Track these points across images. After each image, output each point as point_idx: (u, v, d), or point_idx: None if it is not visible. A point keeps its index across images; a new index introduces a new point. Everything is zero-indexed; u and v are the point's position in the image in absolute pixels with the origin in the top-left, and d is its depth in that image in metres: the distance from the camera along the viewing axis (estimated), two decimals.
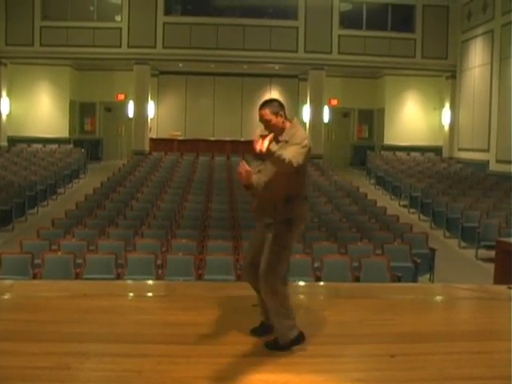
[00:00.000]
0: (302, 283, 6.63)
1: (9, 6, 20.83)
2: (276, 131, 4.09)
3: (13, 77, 21.69)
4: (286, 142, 4.06)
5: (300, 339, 4.11)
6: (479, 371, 3.77)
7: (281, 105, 4.20)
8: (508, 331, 4.31)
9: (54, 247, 8.58)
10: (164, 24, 21.14)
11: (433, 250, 9.71)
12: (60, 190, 16.83)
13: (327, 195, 14.17)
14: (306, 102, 22.56)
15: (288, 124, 4.18)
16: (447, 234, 13.10)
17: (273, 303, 4.02)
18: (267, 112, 4.13)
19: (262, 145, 3.76)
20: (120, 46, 21.04)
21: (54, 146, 21.30)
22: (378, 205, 13.65)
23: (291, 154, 3.88)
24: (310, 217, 11.46)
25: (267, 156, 3.84)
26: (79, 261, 7.83)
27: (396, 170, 18.70)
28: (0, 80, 20.98)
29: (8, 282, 6.17)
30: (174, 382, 3.55)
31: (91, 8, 21.64)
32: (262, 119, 4.15)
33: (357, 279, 7.68)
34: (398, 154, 21.98)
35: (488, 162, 18.89)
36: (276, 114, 4.13)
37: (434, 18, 21.65)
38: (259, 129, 4.24)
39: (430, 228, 13.61)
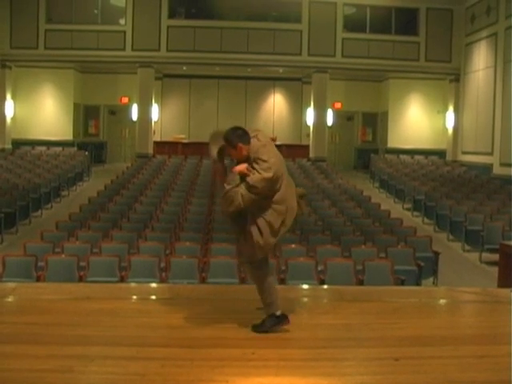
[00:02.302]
0: (305, 286, 6.63)
1: (13, 9, 20.92)
2: (243, 159, 4.31)
3: (17, 80, 21.78)
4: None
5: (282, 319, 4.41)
6: (483, 375, 3.75)
7: (239, 135, 4.32)
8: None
9: (57, 250, 8.60)
10: (168, 27, 21.19)
11: (436, 254, 9.70)
12: (64, 193, 16.87)
13: (331, 198, 14.16)
14: (309, 105, 22.57)
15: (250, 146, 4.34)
16: (451, 237, 13.08)
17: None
18: (228, 148, 4.35)
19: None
20: (124, 49, 21.11)
21: (58, 149, 21.36)
22: (382, 208, 13.63)
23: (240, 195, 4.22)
24: (314, 220, 11.54)
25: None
26: (83, 263, 7.84)
27: (400, 173, 18.68)
28: (4, 83, 21.05)
29: (11, 285, 6.17)
30: None
31: (95, 11, 21.73)
32: (228, 155, 4.44)
33: (360, 282, 7.68)
34: (402, 157, 21.98)
35: (492, 165, 18.87)
36: (235, 146, 4.29)
37: (438, 22, 21.66)
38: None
39: (433, 231, 13.58)
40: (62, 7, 21.40)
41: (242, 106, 23.98)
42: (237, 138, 4.29)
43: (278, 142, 22.20)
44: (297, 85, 24.25)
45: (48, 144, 21.73)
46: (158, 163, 19.50)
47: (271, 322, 4.40)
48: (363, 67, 21.61)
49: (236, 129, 4.38)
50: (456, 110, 21.82)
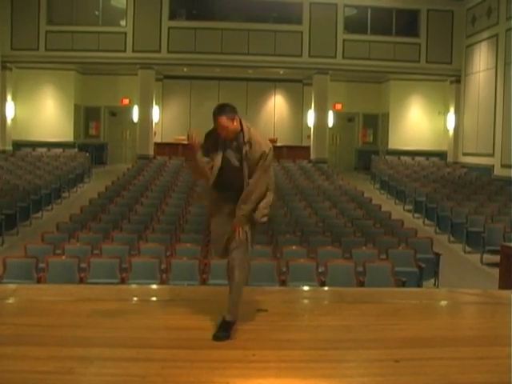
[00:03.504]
0: (306, 288, 6.62)
1: (14, 10, 20.93)
2: (234, 135, 4.31)
3: (18, 81, 21.78)
4: (250, 145, 4.28)
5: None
6: (484, 377, 3.75)
7: (233, 108, 4.31)
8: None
9: (58, 251, 8.59)
10: (169, 28, 21.20)
11: (437, 255, 9.69)
12: (64, 194, 16.87)
13: (332, 200, 14.15)
14: (310, 107, 22.57)
15: (240, 125, 4.33)
16: (452, 238, 13.06)
17: None
18: (224, 119, 4.26)
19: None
20: (125, 51, 21.12)
21: (58, 150, 21.37)
22: (383, 209, 13.63)
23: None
24: (315, 221, 11.52)
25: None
26: (83, 265, 7.84)
27: (400, 175, 18.67)
28: (5, 84, 21.07)
29: (12, 286, 6.17)
30: None
31: (96, 12, 21.74)
32: (220, 126, 4.30)
33: (361, 284, 7.67)
34: (403, 158, 21.98)
35: (493, 166, 18.86)
36: (232, 119, 4.26)
37: (439, 23, 21.67)
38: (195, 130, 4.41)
39: (434, 233, 13.58)
40: (62, 8, 21.42)
41: (243, 108, 23.93)
42: (233, 110, 4.29)
43: (278, 144, 22.26)
44: (297, 86, 24.25)
45: (48, 145, 21.75)
46: (159, 164, 19.51)
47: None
48: (364, 68, 21.62)
49: (224, 104, 4.36)
50: (457, 112, 21.82)
